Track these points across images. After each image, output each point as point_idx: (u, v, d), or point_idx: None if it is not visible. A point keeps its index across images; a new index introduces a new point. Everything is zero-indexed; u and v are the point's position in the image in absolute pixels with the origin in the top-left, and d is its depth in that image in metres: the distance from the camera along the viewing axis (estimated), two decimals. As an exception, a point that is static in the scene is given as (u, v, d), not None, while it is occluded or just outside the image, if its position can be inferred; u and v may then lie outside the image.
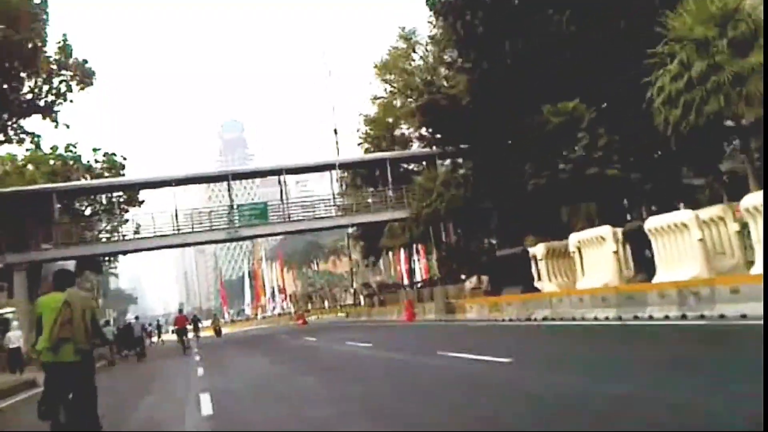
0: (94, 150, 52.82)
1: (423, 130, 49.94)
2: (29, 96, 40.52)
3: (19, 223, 40.38)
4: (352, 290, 72.42)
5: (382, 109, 50.85)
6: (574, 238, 26.93)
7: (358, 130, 52.73)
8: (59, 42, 41.11)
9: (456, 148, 43.93)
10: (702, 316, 13.16)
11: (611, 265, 23.54)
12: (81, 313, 7.23)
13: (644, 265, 21.72)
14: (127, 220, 46.89)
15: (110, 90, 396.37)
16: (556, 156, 29.16)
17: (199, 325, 48.85)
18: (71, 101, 42.17)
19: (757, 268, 14.29)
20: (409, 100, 49.06)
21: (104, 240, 44.33)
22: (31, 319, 40.46)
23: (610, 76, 29.85)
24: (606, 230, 24.37)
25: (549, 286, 30.49)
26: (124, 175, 53.00)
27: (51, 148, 51.41)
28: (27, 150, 49.61)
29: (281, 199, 44.87)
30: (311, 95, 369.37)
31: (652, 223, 20.75)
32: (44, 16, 37.84)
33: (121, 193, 49.96)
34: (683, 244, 18.88)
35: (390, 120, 49.55)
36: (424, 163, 51.25)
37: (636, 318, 15.47)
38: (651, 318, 14.89)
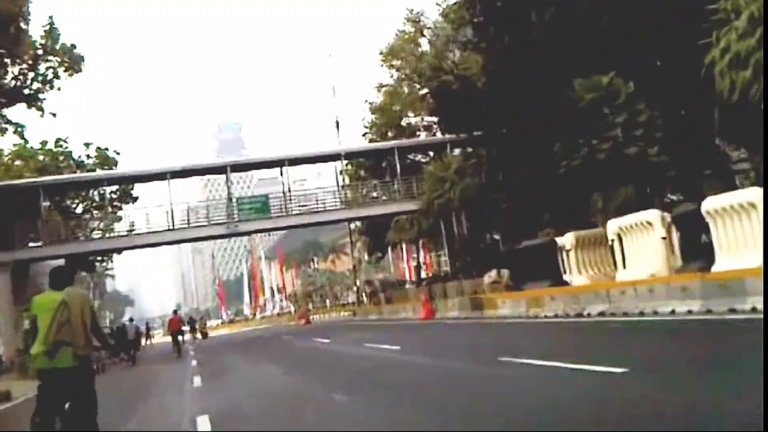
0: (86, 145, 49.82)
1: (432, 118, 46.97)
2: (13, 83, 37.35)
3: (2, 219, 37.36)
4: (355, 288, 69.19)
5: (389, 96, 47.76)
6: (613, 225, 23.92)
7: (363, 119, 49.67)
8: (45, 26, 38.03)
9: (469, 135, 40.86)
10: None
11: (660, 253, 20.52)
12: (80, 314, 6.60)
13: (694, 254, 18.94)
14: (120, 218, 43.85)
15: (104, 88, 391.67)
16: (591, 135, 26.14)
17: (196, 326, 45.66)
18: (59, 89, 39.17)
19: None
20: (417, 86, 46.10)
21: (96, 237, 41.08)
22: (16, 322, 37.60)
23: (650, 45, 26.94)
24: (653, 214, 21.37)
25: (579, 279, 27.67)
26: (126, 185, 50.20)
27: (40, 143, 48.68)
28: (15, 145, 46.86)
29: (283, 192, 41.76)
30: (310, 94, 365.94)
31: (711, 205, 17.70)
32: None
33: (113, 189, 47.18)
34: (750, 226, 15.93)
35: (397, 108, 46.39)
36: (431, 153, 48.34)
37: (733, 311, 12.40)
38: (755, 310, 11.81)
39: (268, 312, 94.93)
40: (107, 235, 41.22)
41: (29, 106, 38.20)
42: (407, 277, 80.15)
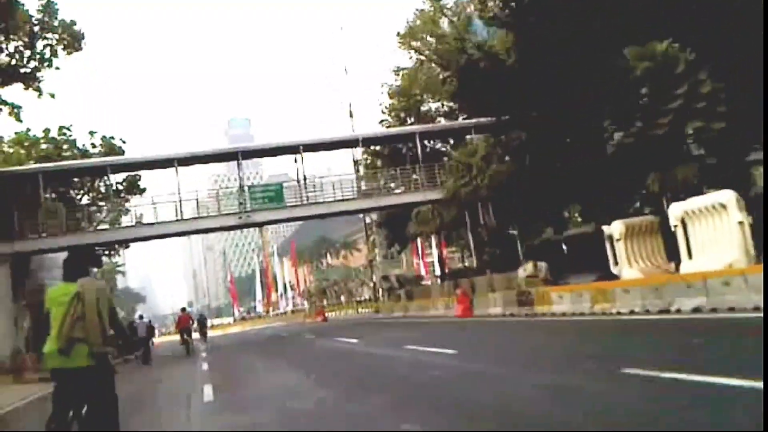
0: (91, 133, 47.13)
1: (452, 104, 43.89)
2: (8, 61, 34.47)
3: (1, 209, 34.64)
4: (371, 284, 66.17)
5: (407, 80, 44.69)
6: (677, 209, 20.89)
7: (380, 104, 46.63)
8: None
9: (497, 119, 37.78)
10: None
11: (736, 240, 17.54)
12: (96, 307, 5.92)
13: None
14: (127, 210, 41.07)
15: (113, 84, 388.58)
16: (647, 109, 23.04)
17: (206, 324, 42.66)
18: (57, 68, 36.20)
19: None
20: (438, 68, 43.01)
21: (101, 229, 38.25)
22: (16, 320, 34.73)
23: (709, 9, 23.88)
24: (727, 196, 18.39)
25: (629, 272, 24.65)
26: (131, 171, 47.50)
27: (43, 131, 45.97)
28: (16, 133, 44.23)
29: (297, 181, 38.80)
30: (319, 89, 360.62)
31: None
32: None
33: (120, 180, 44.51)
34: None
35: (417, 91, 43.30)
36: (451, 141, 45.28)
37: None
38: None
39: (282, 309, 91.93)
40: (114, 227, 38.47)
41: (26, 87, 35.32)
42: (423, 273, 77.45)
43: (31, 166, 38.16)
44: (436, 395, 8.23)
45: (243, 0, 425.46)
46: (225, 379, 15.47)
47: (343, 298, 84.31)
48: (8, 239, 33.88)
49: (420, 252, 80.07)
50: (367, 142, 40.50)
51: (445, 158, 39.62)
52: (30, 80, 34.99)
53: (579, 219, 46.68)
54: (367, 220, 64.82)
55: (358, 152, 45.53)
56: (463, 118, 42.09)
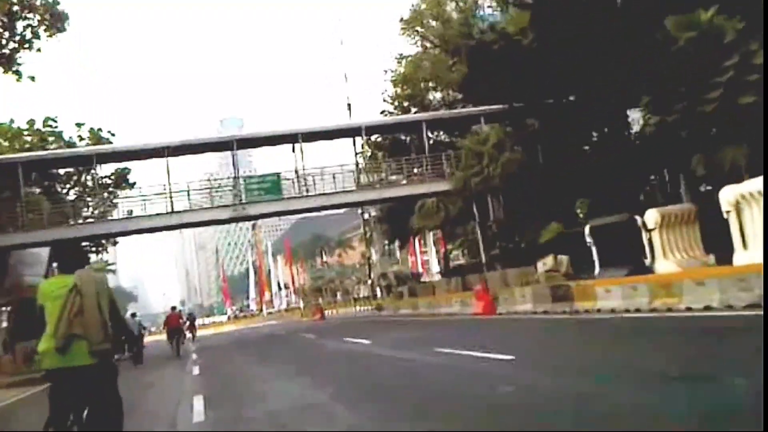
0: (78, 125, 44.20)
1: (458, 93, 41.16)
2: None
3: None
4: (369, 282, 63.45)
5: (412, 66, 41.97)
6: (729, 193, 18.38)
7: (383, 92, 43.88)
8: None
9: (509, 106, 35.14)
10: None
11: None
12: (95, 301, 5.34)
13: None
14: (116, 205, 38.27)
15: (104, 81, 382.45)
16: (691, 84, 20.41)
17: (196, 323, 39.55)
18: (38, 50, 33.33)
19: None
20: (444, 55, 40.31)
21: (84, 222, 35.38)
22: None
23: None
24: (794, 177, 15.85)
25: (664, 265, 22.16)
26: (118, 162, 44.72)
27: (27, 123, 43.12)
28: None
29: (295, 171, 36.02)
30: (316, 87, 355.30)
31: None
32: None
33: (108, 173, 41.77)
34: None
35: (423, 77, 40.57)
36: (456, 133, 42.58)
37: None
38: None
39: (276, 307, 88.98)
40: (99, 220, 35.66)
41: (5, 70, 32.46)
42: (419, 270, 74.77)
43: (10, 155, 35.20)
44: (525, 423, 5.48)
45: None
46: (219, 388, 12.74)
47: (339, 296, 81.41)
48: (-17, 233, 31.08)
49: (417, 249, 77.75)
50: (370, 130, 37.72)
51: (450, 151, 36.79)
52: (9, 63, 32.13)
53: (581, 213, 44.16)
54: (365, 216, 62.12)
55: (359, 144, 42.78)
56: (475, 104, 39.26)
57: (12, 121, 42.98)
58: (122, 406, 5.63)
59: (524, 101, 35.07)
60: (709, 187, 31.24)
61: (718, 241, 20.32)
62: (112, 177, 43.37)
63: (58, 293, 5.38)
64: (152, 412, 10.73)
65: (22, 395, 18.23)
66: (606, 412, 5.63)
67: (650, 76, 21.78)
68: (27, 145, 41.31)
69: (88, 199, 40.07)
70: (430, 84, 40.68)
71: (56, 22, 33.42)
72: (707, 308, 12.59)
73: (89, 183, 42.66)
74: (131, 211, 35.80)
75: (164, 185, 34.51)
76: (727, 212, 18.49)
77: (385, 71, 43.32)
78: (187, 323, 37.65)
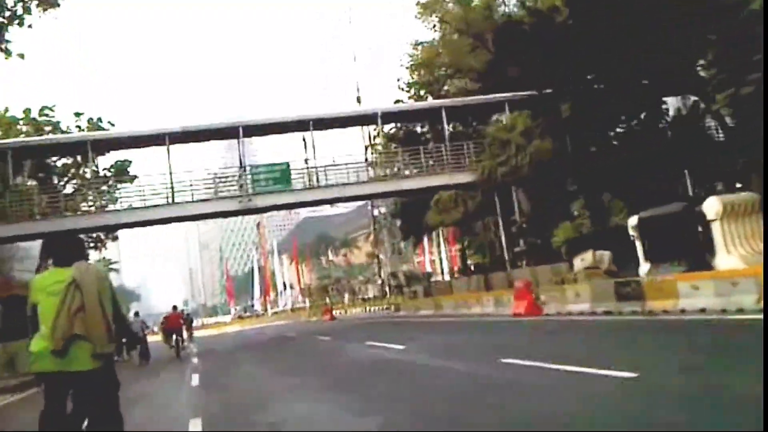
0: (76, 114, 41.51)
1: (478, 83, 38.10)
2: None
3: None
4: (378, 281, 60.48)
5: (430, 51, 39.02)
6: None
7: (398, 80, 40.94)
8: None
9: (538, 92, 32.23)
10: None
11: None
12: (97, 297, 4.74)
13: None
14: (116, 199, 35.53)
15: (107, 85, 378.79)
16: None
17: (193, 324, 36.33)
18: (30, 26, 30.40)
19: None
20: (465, 39, 37.32)
21: (79, 214, 32.51)
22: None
23: None
24: None
25: (727, 260, 19.13)
26: (115, 150, 42.02)
27: (23, 112, 40.43)
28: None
29: (305, 161, 33.14)
30: (323, 82, 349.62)
31: None
32: None
33: (108, 166, 39.15)
34: None
35: (443, 61, 37.58)
36: (474, 124, 39.65)
37: None
38: None
39: (281, 307, 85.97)
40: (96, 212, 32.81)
41: (-6, 47, 29.57)
42: (428, 270, 71.79)
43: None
44: None
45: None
46: (223, 408, 9.77)
47: (347, 296, 78.32)
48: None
49: (426, 248, 74.78)
50: (386, 117, 34.72)
51: (469, 141, 33.73)
52: (-4, 40, 29.26)
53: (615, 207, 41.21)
54: (375, 213, 59.23)
55: (373, 134, 39.92)
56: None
57: (6, 110, 40.40)
58: (123, 421, 4.94)
59: (553, 87, 32.21)
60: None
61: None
62: (112, 170, 40.76)
63: (54, 288, 4.77)
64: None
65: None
66: None
67: (718, 42, 18.80)
68: (22, 135, 38.64)
69: (87, 192, 37.15)
70: (449, 71, 37.61)
71: (49, -4, 30.55)
72: None
73: (87, 176, 39.93)
74: (131, 205, 33.08)
75: (165, 175, 31.73)
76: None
77: (401, 58, 40.38)
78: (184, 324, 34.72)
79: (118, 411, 5.00)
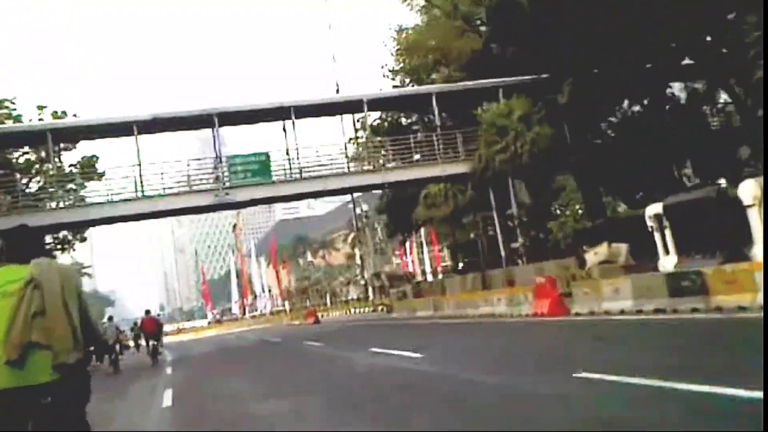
0: (39, 108, 38.10)
1: (463, 72, 35.50)
2: None
3: None
4: (362, 282, 57.64)
5: (418, 34, 36.34)
6: None
7: (383, 67, 38.25)
8: None
9: (534, 77, 29.83)
10: None
11: None
12: (60, 298, 3.92)
13: None
14: (83, 198, 32.47)
15: (82, 78, 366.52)
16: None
17: (161, 330, 32.95)
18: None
19: None
20: (455, 23, 34.75)
21: (35, 210, 29.31)
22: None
23: None
24: None
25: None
26: (78, 141, 38.85)
27: (-24, 104, 36.94)
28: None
29: (287, 151, 30.31)
30: (306, 77, 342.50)
31: None
32: None
33: (74, 162, 35.94)
34: None
35: (432, 44, 34.92)
36: (466, 112, 37.03)
37: None
38: None
39: (260, 310, 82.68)
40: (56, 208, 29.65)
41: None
42: (410, 270, 69.16)
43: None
44: None
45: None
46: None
47: (328, 298, 75.24)
48: None
49: (407, 248, 72.13)
50: (373, 104, 31.90)
51: (462, 130, 31.11)
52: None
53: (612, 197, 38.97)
54: (357, 211, 56.42)
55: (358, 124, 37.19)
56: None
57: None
58: None
59: (550, 71, 29.82)
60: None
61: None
62: (78, 166, 37.56)
63: (9, 289, 3.92)
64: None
65: None
66: None
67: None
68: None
69: (51, 190, 33.85)
70: (437, 55, 34.88)
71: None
72: None
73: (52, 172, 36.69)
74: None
75: (133, 168, 28.81)
76: None
77: (384, 43, 37.64)
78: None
79: (86, 424, 4.05)
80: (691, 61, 28.99)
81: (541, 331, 14.03)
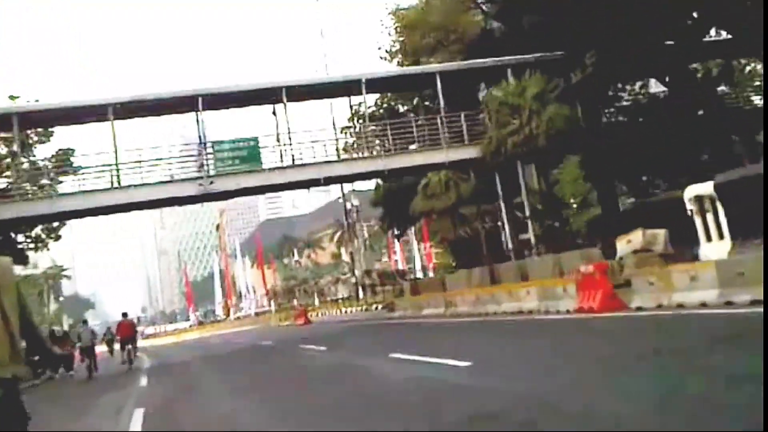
0: (12, 98, 35.04)
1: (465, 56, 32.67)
2: None
3: None
4: (353, 280, 54.66)
5: (420, 12, 33.43)
6: None
7: (379, 48, 35.35)
8: None
9: (548, 54, 27.13)
10: None
11: None
12: None
13: None
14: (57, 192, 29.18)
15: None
16: None
17: (137, 333, 29.75)
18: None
19: None
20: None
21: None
22: None
23: None
24: None
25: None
26: (52, 134, 35.78)
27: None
28: None
29: (277, 136, 27.35)
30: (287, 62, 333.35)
31: None
32: None
33: (48, 156, 33.07)
34: None
35: (435, 19, 31.99)
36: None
37: None
38: None
39: (245, 312, 79.34)
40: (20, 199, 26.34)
41: None
42: (399, 267, 66.41)
43: None
44: None
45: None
46: None
47: (316, 297, 72.04)
48: None
49: (397, 245, 69.35)
50: (372, 85, 28.84)
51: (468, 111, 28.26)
52: None
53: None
54: (348, 206, 53.39)
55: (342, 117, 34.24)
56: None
57: None
58: None
59: (564, 48, 27.15)
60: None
61: None
62: (53, 160, 34.28)
63: None
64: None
65: None
66: None
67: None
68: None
69: (26, 185, 30.48)
70: (439, 34, 31.90)
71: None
72: None
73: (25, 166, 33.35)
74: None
75: (108, 155, 25.77)
76: None
77: (381, 21, 34.71)
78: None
79: None
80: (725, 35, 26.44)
81: (610, 331, 11.10)
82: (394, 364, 10.92)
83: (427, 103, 35.53)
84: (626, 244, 20.65)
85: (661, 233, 20.16)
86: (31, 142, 36.16)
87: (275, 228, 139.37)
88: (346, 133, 33.56)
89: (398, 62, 34.64)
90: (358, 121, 34.37)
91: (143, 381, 16.85)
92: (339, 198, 56.72)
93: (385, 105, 36.37)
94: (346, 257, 73.92)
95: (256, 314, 71.66)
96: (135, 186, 25.51)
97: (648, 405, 5.11)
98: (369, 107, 34.72)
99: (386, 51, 34.62)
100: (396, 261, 70.42)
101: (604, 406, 5.44)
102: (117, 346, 27.28)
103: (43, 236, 39.42)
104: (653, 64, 27.22)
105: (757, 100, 30.50)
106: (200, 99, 26.44)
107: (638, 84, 31.09)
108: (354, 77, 28.45)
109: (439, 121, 27.93)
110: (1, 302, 3.30)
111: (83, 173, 27.81)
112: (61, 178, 31.71)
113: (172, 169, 26.61)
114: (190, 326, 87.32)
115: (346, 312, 44.57)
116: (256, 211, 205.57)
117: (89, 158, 26.95)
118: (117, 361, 25.39)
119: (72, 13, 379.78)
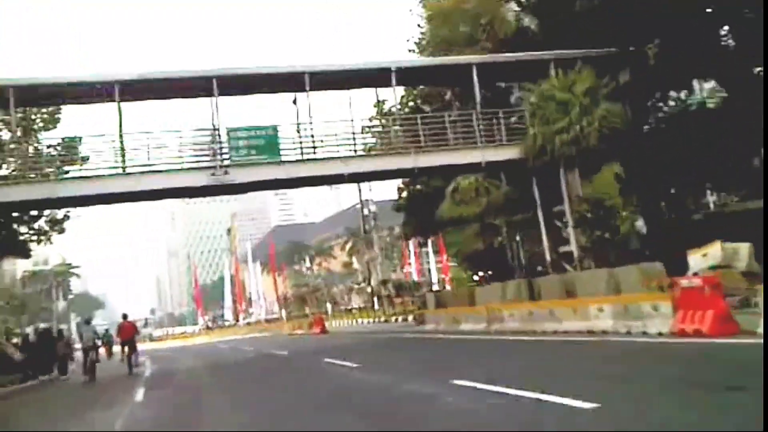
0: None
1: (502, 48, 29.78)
2: None
3: None
4: (369, 289, 51.67)
5: (451, 2, 30.58)
6: None
7: (408, 40, 32.57)
8: None
9: (598, 50, 24.22)
10: None
11: None
12: None
13: None
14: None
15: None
16: None
17: (136, 336, 26.97)
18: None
19: None
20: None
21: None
22: None
23: None
24: None
25: None
26: (59, 120, 33.30)
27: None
28: None
29: (297, 126, 24.48)
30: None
31: None
32: None
33: (54, 143, 30.26)
34: None
35: (469, 7, 29.10)
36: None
37: None
38: None
39: (254, 317, 76.36)
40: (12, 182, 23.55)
41: None
42: (416, 280, 63.33)
43: None
44: None
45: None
46: None
47: (328, 306, 68.93)
48: None
49: (412, 256, 66.37)
50: (402, 75, 25.98)
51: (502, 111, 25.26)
52: None
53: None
54: (365, 212, 50.55)
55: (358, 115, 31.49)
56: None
57: None
58: None
59: (615, 44, 24.27)
60: None
61: None
62: (58, 148, 31.59)
63: None
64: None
65: None
66: None
67: None
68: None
69: (31, 175, 27.75)
70: (481, 21, 28.96)
71: None
72: None
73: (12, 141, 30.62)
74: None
75: (114, 141, 23.03)
76: None
77: (411, 10, 31.95)
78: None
79: None
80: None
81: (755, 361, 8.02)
82: (466, 395, 7.93)
83: (458, 102, 32.80)
84: (701, 258, 17.63)
85: (744, 247, 17.13)
86: (36, 128, 33.69)
87: (286, 234, 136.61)
88: (370, 128, 30.67)
89: (428, 54, 31.79)
90: (384, 115, 31.61)
91: (139, 394, 13.97)
92: (351, 207, 53.95)
93: (410, 104, 33.56)
94: (357, 266, 71.04)
95: (267, 320, 68.77)
96: (142, 173, 22.71)
97: None
98: (393, 105, 32.02)
99: (415, 43, 31.81)
100: (410, 272, 67.50)
101: None
102: (117, 348, 25.82)
103: (47, 228, 36.74)
104: (715, 65, 24.27)
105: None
106: (215, 81, 23.65)
107: (696, 85, 28.11)
108: (384, 64, 25.57)
109: (474, 117, 25.00)
110: None
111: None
112: (66, 168, 29.20)
113: (182, 156, 23.85)
114: (198, 330, 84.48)
115: (363, 323, 41.53)
116: (267, 216, 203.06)
117: (94, 142, 24.00)
118: (115, 364, 23.96)
119: (79, 6, 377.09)
